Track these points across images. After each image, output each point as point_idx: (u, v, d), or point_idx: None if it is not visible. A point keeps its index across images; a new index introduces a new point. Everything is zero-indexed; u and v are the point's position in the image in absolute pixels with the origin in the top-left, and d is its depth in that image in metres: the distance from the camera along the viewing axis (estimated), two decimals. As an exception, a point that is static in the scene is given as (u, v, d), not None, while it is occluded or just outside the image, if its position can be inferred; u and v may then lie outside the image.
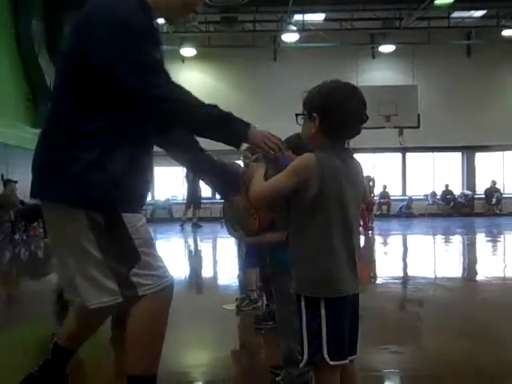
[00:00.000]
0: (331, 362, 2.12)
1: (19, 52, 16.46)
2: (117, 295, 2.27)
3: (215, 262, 10.05)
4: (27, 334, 4.70)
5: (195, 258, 10.62)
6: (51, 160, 2.30)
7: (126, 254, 2.26)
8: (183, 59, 20.99)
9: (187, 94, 2.26)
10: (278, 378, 3.08)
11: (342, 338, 2.15)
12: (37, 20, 16.73)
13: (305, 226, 2.15)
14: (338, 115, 2.14)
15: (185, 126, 2.40)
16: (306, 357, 2.14)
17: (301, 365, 2.20)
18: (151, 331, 2.35)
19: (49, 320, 5.22)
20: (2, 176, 14.89)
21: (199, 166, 2.78)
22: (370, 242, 13.07)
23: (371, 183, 16.56)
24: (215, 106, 2.29)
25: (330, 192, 2.12)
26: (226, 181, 2.72)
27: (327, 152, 2.15)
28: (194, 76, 21.25)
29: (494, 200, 22.46)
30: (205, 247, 11.93)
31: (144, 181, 2.42)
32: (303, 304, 2.15)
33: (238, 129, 2.30)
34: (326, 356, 2.11)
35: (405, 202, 22.25)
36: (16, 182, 14.24)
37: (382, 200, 21.69)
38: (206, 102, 2.30)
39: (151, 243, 2.37)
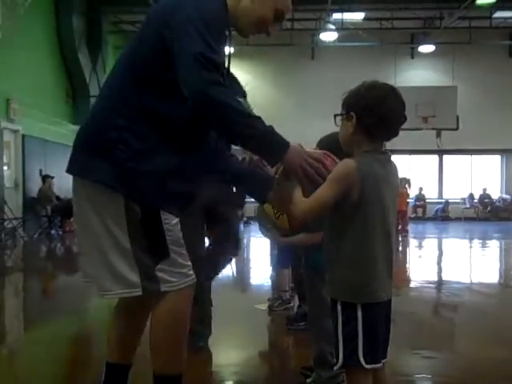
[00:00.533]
0: (366, 366, 2.10)
1: (60, 48, 16.72)
2: (136, 288, 2.22)
3: (248, 261, 10.06)
4: (62, 328, 4.77)
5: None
6: (100, 137, 2.22)
7: (156, 248, 2.23)
8: (221, 58, 21.04)
9: (235, 101, 2.17)
10: (308, 380, 3.06)
11: (377, 342, 2.14)
12: (77, 15, 16.99)
13: (344, 230, 2.12)
14: (375, 112, 2.10)
15: (222, 131, 2.30)
16: (341, 359, 2.13)
17: (335, 368, 2.18)
18: (175, 330, 2.31)
19: (83, 314, 5.30)
20: (41, 171, 15.16)
21: (231, 171, 2.75)
22: (404, 245, 12.95)
23: (407, 185, 16.38)
24: (258, 119, 2.19)
25: (371, 197, 2.09)
26: (259, 183, 2.69)
27: (366, 156, 2.12)
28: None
29: (533, 205, 22.05)
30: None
31: (191, 186, 2.36)
32: (339, 307, 2.13)
33: (275, 149, 2.20)
34: (361, 359, 2.10)
35: (441, 205, 21.97)
36: (53, 177, 14.50)
37: (417, 202, 21.46)
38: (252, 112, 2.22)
39: (181, 242, 2.32)
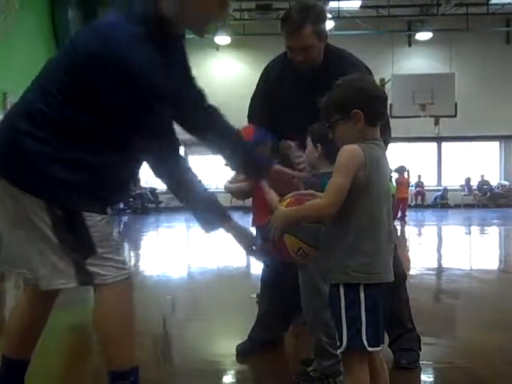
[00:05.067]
0: (369, 348, 2.12)
1: (56, 41, 16.64)
2: (71, 279, 2.23)
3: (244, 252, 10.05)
4: (58, 320, 4.75)
5: (224, 247, 10.64)
6: (18, 141, 2.19)
7: (82, 245, 2.21)
8: (218, 47, 20.95)
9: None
10: (309, 368, 3.07)
11: (378, 324, 2.15)
12: (73, 9, 16.88)
13: (348, 213, 2.12)
14: (376, 95, 2.19)
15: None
16: (345, 342, 2.12)
17: (339, 351, 2.17)
18: (117, 324, 2.29)
19: (84, 305, 5.29)
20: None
21: (237, 153, 2.75)
22: (403, 233, 12.95)
23: (406, 174, 16.36)
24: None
25: (374, 179, 2.12)
26: (258, 165, 2.75)
27: (365, 142, 2.15)
28: (229, 64, 21.29)
29: (532, 191, 22.04)
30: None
31: (116, 186, 2.37)
32: (342, 290, 2.13)
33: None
34: (364, 342, 2.10)
35: (440, 193, 21.97)
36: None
37: (417, 189, 21.45)
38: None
39: (110, 237, 2.31)
